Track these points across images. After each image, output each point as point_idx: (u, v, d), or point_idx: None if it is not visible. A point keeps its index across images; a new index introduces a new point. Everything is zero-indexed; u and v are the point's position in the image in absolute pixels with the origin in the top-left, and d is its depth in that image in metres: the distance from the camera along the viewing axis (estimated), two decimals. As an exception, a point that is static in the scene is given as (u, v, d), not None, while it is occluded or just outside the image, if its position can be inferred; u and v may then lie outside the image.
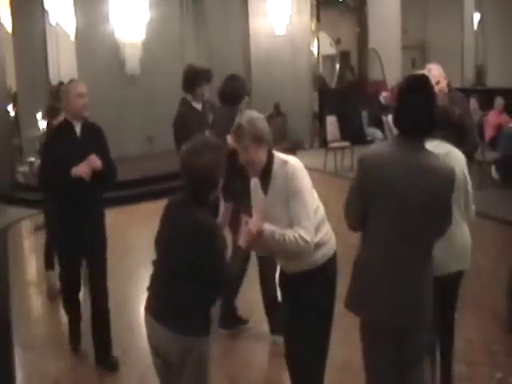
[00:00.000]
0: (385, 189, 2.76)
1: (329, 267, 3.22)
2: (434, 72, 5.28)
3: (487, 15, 14.31)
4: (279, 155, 3.17)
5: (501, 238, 7.03)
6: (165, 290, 2.80)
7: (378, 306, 2.84)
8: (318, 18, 13.81)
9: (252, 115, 3.18)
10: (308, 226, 3.02)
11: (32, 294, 6.25)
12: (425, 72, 5.01)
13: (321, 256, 3.17)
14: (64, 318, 4.79)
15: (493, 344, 4.45)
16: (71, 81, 4.55)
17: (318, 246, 3.13)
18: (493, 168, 9.34)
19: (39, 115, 9.29)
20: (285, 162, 3.10)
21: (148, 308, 2.87)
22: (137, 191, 8.91)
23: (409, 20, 14.61)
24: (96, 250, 4.30)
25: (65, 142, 4.17)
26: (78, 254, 4.35)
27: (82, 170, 4.04)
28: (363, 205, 2.84)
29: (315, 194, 3.20)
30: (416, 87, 2.80)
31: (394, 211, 2.77)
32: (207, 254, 2.67)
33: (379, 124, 10.79)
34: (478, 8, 14.50)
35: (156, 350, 2.86)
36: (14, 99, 10.72)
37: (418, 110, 2.76)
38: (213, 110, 5.40)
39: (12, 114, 10.69)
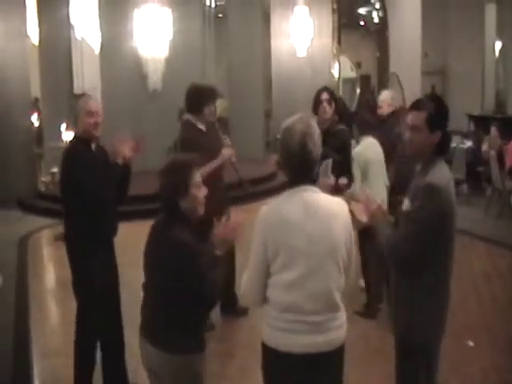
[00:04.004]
0: (455, 213, 2.80)
1: (263, 352, 2.70)
2: (380, 97, 5.98)
3: (509, 43, 14.33)
4: (286, 193, 2.63)
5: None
6: (155, 312, 2.80)
7: (443, 326, 2.91)
8: (339, 42, 13.95)
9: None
10: (245, 279, 2.71)
11: (50, 303, 6.31)
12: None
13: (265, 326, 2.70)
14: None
15: (507, 373, 4.42)
16: (83, 96, 4.10)
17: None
18: (512, 197, 9.28)
19: (63, 126, 9.44)
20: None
21: (141, 330, 2.87)
22: (157, 205, 8.88)
23: (429, 45, 14.63)
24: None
25: (94, 161, 3.82)
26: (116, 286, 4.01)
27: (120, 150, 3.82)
28: (437, 231, 2.74)
29: (277, 265, 2.54)
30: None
31: (454, 230, 2.84)
32: (187, 270, 2.65)
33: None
34: (500, 36, 14.53)
35: (151, 372, 2.86)
36: (38, 110, 10.90)
37: None
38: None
39: (36, 124, 10.86)
